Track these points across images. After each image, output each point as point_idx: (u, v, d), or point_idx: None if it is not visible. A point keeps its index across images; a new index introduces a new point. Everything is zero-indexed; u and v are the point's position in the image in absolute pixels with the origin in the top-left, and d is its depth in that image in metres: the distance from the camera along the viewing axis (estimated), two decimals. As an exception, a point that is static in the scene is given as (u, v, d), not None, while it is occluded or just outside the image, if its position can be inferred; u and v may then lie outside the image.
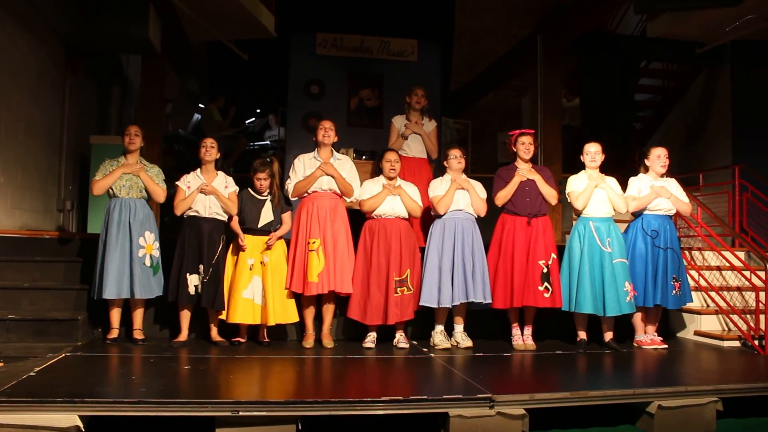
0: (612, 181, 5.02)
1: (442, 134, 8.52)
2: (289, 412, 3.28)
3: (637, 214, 5.13)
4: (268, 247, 4.73)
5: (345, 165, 4.94)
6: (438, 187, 4.92)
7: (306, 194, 4.84)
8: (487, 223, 5.09)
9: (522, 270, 4.78)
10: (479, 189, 4.95)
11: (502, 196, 4.90)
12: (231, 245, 4.82)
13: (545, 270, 4.78)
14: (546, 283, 4.77)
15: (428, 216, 5.05)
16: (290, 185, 4.86)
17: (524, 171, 4.93)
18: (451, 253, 4.76)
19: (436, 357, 4.55)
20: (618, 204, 4.95)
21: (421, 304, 4.77)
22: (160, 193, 4.79)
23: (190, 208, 4.72)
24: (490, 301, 4.82)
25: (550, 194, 4.91)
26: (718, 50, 7.89)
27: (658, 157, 5.10)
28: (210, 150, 4.80)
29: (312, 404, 3.31)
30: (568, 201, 5.07)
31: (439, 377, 4.08)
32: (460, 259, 4.75)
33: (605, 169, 5.10)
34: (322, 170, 4.79)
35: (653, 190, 5.04)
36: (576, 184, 5.01)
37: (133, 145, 4.76)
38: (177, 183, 4.80)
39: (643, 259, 5.00)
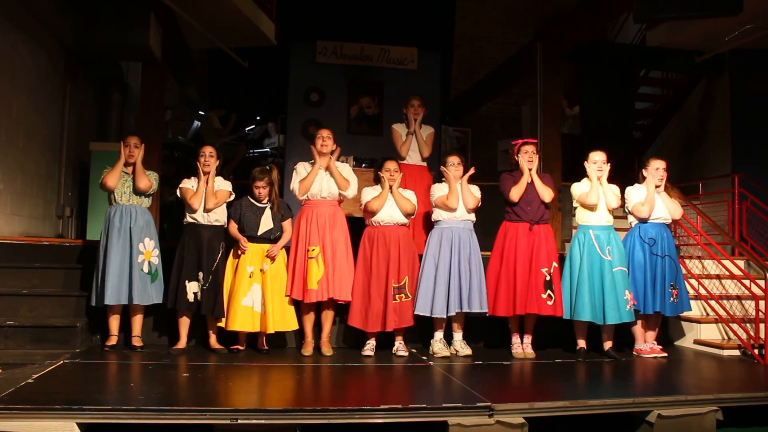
0: (613, 188, 5.04)
1: (442, 142, 8.54)
2: (288, 420, 3.27)
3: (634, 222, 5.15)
4: (272, 259, 4.72)
5: (344, 170, 4.95)
6: (441, 190, 4.91)
7: (306, 199, 4.84)
8: (487, 230, 5.09)
9: (525, 277, 4.78)
10: (474, 190, 4.93)
11: (517, 191, 4.86)
12: (230, 252, 4.82)
13: (548, 278, 4.78)
14: (549, 291, 4.76)
15: (428, 223, 5.04)
16: (295, 186, 4.86)
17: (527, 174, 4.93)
18: (447, 263, 4.76)
19: (436, 365, 4.54)
20: (610, 200, 4.91)
21: (415, 313, 4.76)
22: (145, 181, 4.68)
23: (194, 212, 4.70)
24: (487, 311, 4.81)
25: (544, 191, 4.88)
26: (717, 59, 7.91)
27: (656, 170, 5.12)
28: (209, 159, 4.76)
29: (311, 412, 3.30)
30: (575, 206, 5.07)
31: (439, 385, 4.07)
32: (457, 269, 4.74)
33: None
34: (321, 162, 4.79)
35: (651, 193, 5.07)
36: (581, 188, 5.01)
37: (132, 158, 4.71)
38: (181, 186, 4.79)
39: (642, 266, 5.01)
